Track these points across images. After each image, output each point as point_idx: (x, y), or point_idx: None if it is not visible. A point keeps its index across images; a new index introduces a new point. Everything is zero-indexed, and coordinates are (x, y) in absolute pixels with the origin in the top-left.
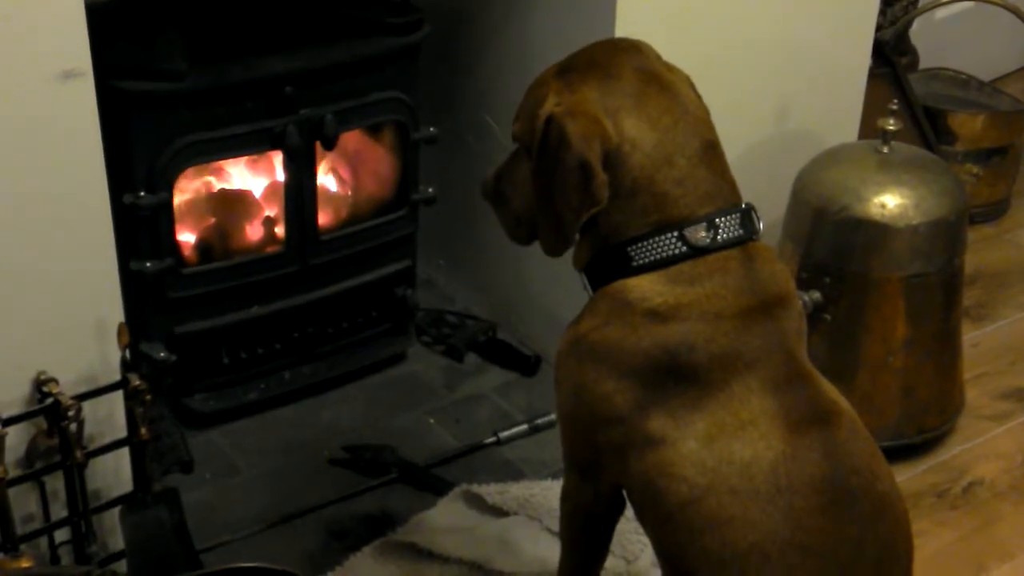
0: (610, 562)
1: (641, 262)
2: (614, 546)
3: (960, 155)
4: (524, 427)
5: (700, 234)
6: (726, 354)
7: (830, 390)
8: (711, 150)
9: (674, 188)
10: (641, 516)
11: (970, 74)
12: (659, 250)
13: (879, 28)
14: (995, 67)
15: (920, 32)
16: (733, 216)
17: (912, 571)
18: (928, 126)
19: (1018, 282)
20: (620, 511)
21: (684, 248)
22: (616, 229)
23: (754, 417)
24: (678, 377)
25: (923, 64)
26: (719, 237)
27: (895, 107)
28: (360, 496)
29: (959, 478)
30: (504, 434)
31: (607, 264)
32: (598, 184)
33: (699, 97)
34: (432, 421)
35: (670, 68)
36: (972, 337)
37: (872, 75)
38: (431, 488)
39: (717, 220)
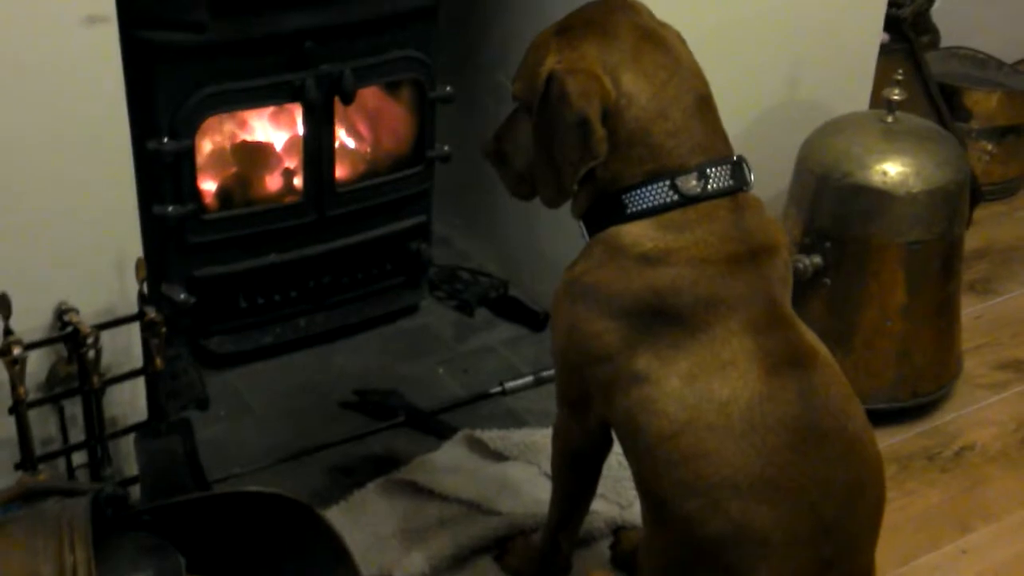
0: (604, 507)
1: (634, 209)
2: (609, 492)
3: (974, 132)
4: (529, 379)
5: (691, 183)
6: (710, 298)
7: (810, 336)
8: (704, 103)
9: (668, 140)
10: (625, 450)
11: (989, 54)
12: (652, 198)
13: (900, 6)
14: (1018, 49)
15: (944, 12)
16: (724, 167)
17: (882, 510)
18: (942, 102)
19: None
20: (607, 449)
21: (675, 196)
22: (612, 179)
23: (734, 357)
24: (665, 318)
25: (946, 44)
26: (709, 187)
27: (900, 77)
28: (367, 437)
29: (951, 442)
30: (510, 384)
31: (603, 211)
32: (597, 139)
33: (691, 53)
34: (441, 371)
35: (663, 25)
36: (976, 310)
37: (889, 51)
38: (436, 433)
39: (708, 170)
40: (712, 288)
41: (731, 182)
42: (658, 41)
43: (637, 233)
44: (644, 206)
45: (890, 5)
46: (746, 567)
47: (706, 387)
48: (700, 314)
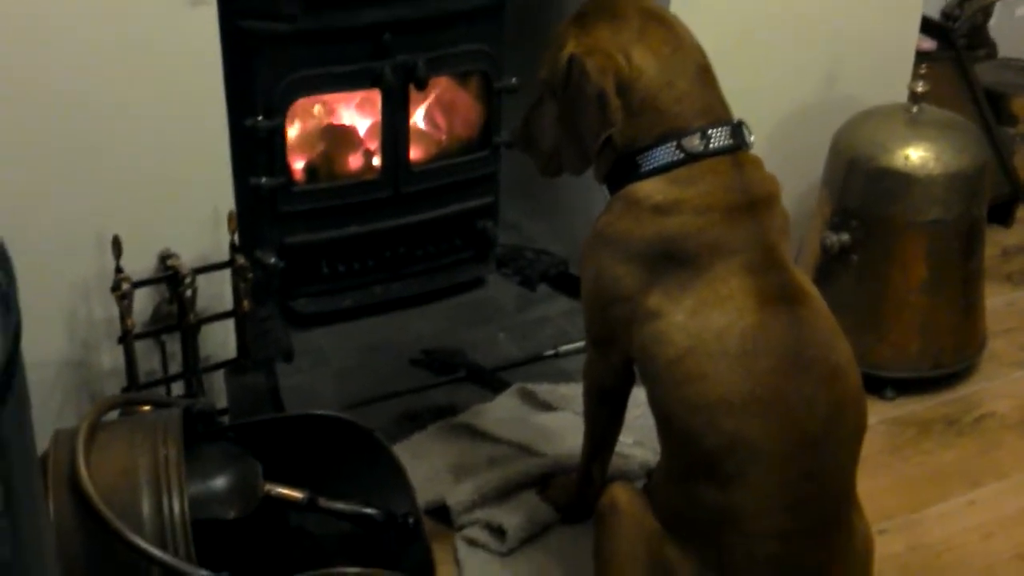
0: (640, 452)
1: (647, 168)
2: (644, 439)
3: (1020, 136)
4: (581, 344)
5: (694, 142)
6: (713, 242)
7: (802, 278)
8: (704, 72)
9: (674, 106)
10: (641, 377)
11: None
12: (661, 157)
13: (955, 19)
14: None
15: (1002, 27)
16: (723, 128)
17: (862, 436)
18: (988, 106)
19: None
20: (631, 384)
21: (681, 155)
22: (628, 143)
23: (732, 293)
24: (674, 261)
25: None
26: (711, 145)
27: (924, 71)
28: (432, 390)
29: (971, 411)
30: (563, 348)
31: (621, 172)
32: (613, 109)
33: (689, 29)
34: (502, 336)
35: (663, 8)
36: (1010, 298)
37: (937, 58)
38: (493, 387)
39: (709, 131)
40: (714, 233)
41: (731, 141)
42: (661, 20)
43: (650, 188)
44: (655, 164)
45: (944, 18)
46: (738, 475)
47: (707, 319)
48: (704, 256)
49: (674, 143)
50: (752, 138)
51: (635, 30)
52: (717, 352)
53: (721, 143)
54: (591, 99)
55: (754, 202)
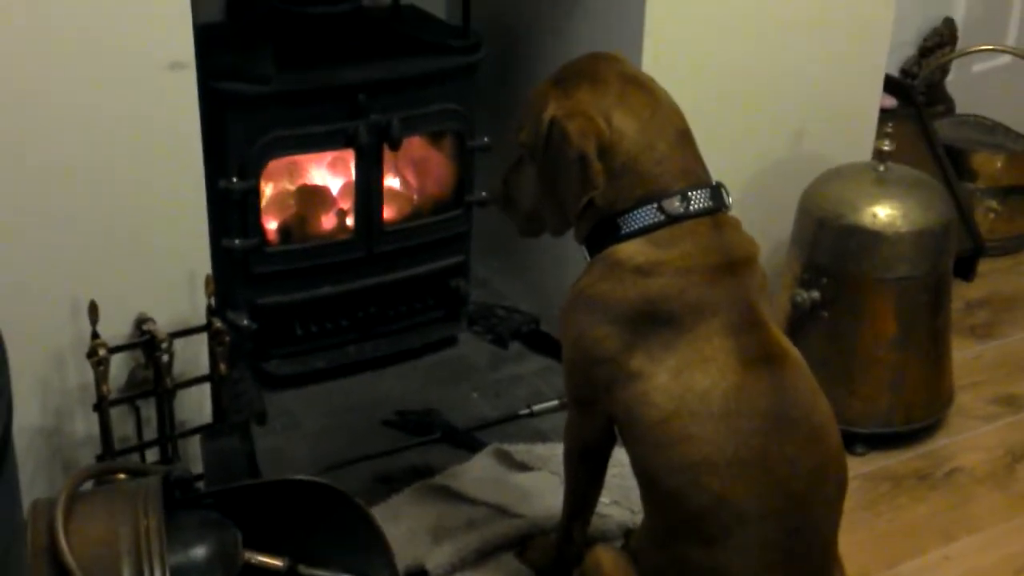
0: (617, 512)
1: (628, 230)
2: (622, 499)
3: (980, 192)
4: (555, 402)
5: (675, 204)
6: (695, 303)
7: (782, 338)
8: (684, 136)
9: (654, 168)
10: (623, 438)
11: (997, 121)
12: (642, 219)
13: (913, 76)
14: None
15: (959, 83)
16: (703, 190)
17: (844, 493)
18: (948, 162)
19: None
20: (612, 444)
21: (662, 217)
22: (608, 205)
23: (714, 354)
24: (656, 322)
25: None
26: (691, 207)
27: (890, 130)
28: (407, 451)
29: (942, 465)
30: (537, 407)
31: (601, 234)
32: (595, 172)
33: (668, 94)
34: (475, 395)
35: (642, 73)
36: (975, 351)
37: (898, 115)
38: (468, 447)
39: (689, 193)
40: (696, 294)
41: (710, 203)
42: (640, 84)
43: (631, 250)
44: (636, 226)
45: (903, 75)
46: (723, 536)
47: (690, 380)
48: (686, 317)
49: (655, 205)
50: (730, 199)
51: (615, 94)
52: (701, 413)
53: (701, 205)
54: (572, 162)
55: (734, 263)
